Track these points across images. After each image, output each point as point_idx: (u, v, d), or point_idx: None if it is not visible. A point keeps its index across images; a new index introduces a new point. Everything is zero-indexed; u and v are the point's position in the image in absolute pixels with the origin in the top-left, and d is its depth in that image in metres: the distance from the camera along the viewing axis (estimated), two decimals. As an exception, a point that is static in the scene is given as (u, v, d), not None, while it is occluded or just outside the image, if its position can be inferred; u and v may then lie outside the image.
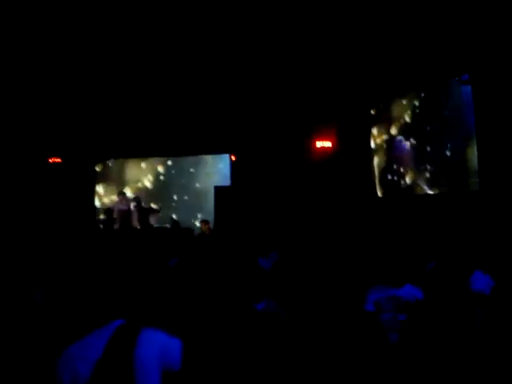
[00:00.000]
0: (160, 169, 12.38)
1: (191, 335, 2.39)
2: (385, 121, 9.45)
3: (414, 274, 4.07)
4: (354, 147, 10.06)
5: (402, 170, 8.97)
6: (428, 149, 8.27)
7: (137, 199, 10.85)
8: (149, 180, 12.38)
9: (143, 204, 10.91)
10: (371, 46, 8.23)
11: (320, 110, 10.26)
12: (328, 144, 10.67)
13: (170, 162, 12.36)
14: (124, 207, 10.51)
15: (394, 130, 9.20)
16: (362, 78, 9.20)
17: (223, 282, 4.27)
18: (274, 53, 8.83)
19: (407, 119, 8.84)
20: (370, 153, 9.85)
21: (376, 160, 9.75)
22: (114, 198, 11.35)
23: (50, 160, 11.05)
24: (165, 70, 9.35)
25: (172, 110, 10.58)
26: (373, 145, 9.88)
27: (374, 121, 9.82)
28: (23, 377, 3.02)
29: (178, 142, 11.04)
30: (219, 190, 10.20)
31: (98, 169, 11.98)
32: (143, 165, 12.39)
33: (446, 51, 7.33)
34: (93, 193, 11.75)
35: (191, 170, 12.15)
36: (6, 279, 4.58)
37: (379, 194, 9.54)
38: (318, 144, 10.66)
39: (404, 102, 8.89)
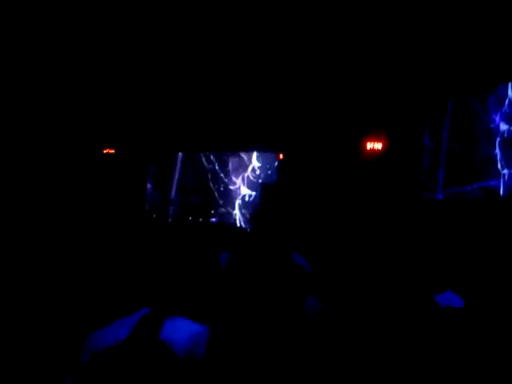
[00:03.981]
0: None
1: (214, 322, 2.30)
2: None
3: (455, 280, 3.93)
4: (404, 149, 9.86)
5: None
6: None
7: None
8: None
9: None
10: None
11: (371, 110, 10.14)
12: (378, 146, 10.51)
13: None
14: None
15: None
16: (414, 85, 9.04)
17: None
18: (329, 54, 8.79)
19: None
20: (421, 156, 9.62)
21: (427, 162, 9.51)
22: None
23: (104, 151, 11.30)
24: (214, 65, 9.44)
25: (224, 107, 10.73)
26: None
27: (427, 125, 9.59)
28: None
29: (227, 138, 11.18)
30: (266, 187, 10.22)
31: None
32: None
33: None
34: (145, 184, 11.97)
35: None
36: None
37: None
38: (369, 145, 10.52)
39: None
